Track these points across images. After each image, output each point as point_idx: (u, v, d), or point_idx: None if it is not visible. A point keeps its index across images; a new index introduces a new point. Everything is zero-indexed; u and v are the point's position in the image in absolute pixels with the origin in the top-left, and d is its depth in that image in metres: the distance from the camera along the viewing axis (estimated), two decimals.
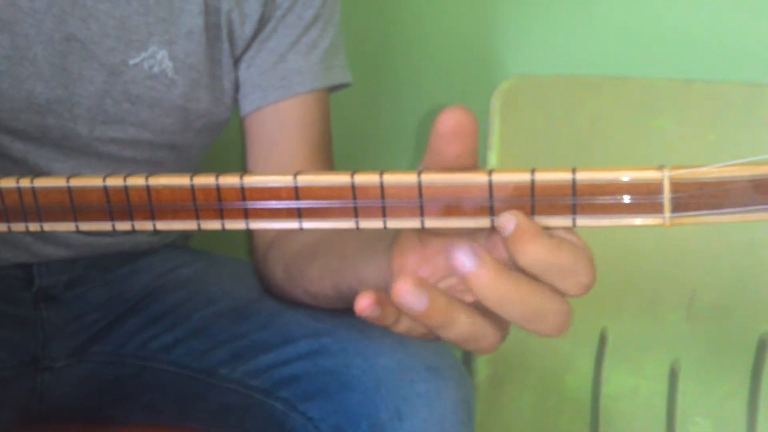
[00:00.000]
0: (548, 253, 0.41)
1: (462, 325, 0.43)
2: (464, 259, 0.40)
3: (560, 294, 0.42)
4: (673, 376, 1.04)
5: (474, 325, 0.43)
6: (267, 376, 0.75)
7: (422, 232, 0.47)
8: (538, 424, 1.06)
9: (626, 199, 0.41)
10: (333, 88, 0.85)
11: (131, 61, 0.75)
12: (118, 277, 0.87)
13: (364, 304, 0.43)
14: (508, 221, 0.41)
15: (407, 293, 0.41)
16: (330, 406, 0.70)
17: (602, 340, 1.05)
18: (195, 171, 0.46)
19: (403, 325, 0.45)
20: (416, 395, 0.68)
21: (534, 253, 0.41)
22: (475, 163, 0.43)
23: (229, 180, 0.45)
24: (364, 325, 0.72)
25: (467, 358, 1.06)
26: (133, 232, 0.85)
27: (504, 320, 0.44)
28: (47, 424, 0.84)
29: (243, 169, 0.78)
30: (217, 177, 0.45)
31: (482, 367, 1.05)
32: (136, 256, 0.89)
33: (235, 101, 0.83)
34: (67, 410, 0.84)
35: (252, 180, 0.44)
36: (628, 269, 1.03)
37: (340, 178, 0.43)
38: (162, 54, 0.76)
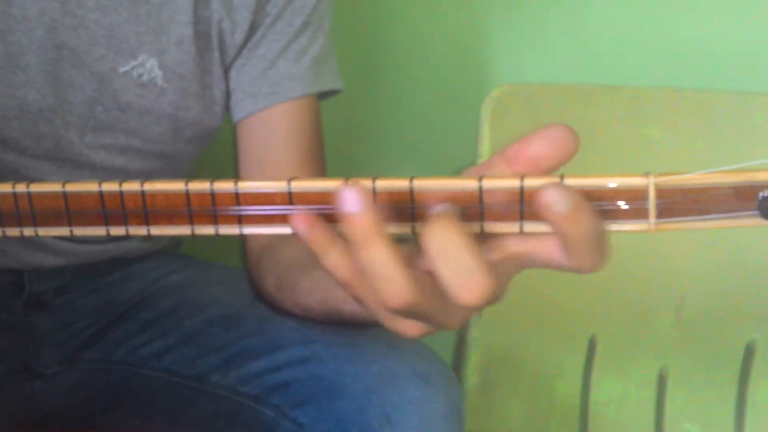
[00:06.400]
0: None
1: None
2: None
3: None
4: (661, 383, 1.04)
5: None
6: (257, 383, 0.74)
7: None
8: (527, 431, 1.06)
9: (612, 204, 0.42)
10: (324, 95, 0.85)
11: (121, 69, 0.76)
12: (108, 284, 0.87)
13: (298, 220, 0.44)
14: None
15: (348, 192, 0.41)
16: (320, 412, 0.70)
17: (591, 347, 1.05)
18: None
19: (332, 259, 0.45)
20: (406, 402, 0.68)
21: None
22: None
23: (224, 185, 0.45)
24: (354, 332, 0.73)
25: (457, 365, 1.06)
26: (127, 237, 0.85)
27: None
28: None
29: (234, 176, 0.78)
30: (212, 183, 0.45)
31: (472, 373, 1.05)
32: (126, 262, 0.89)
33: (226, 110, 0.83)
34: (59, 417, 0.84)
35: (246, 186, 0.45)
36: (617, 276, 1.03)
37: (333, 184, 0.43)
38: (151, 63, 0.77)
